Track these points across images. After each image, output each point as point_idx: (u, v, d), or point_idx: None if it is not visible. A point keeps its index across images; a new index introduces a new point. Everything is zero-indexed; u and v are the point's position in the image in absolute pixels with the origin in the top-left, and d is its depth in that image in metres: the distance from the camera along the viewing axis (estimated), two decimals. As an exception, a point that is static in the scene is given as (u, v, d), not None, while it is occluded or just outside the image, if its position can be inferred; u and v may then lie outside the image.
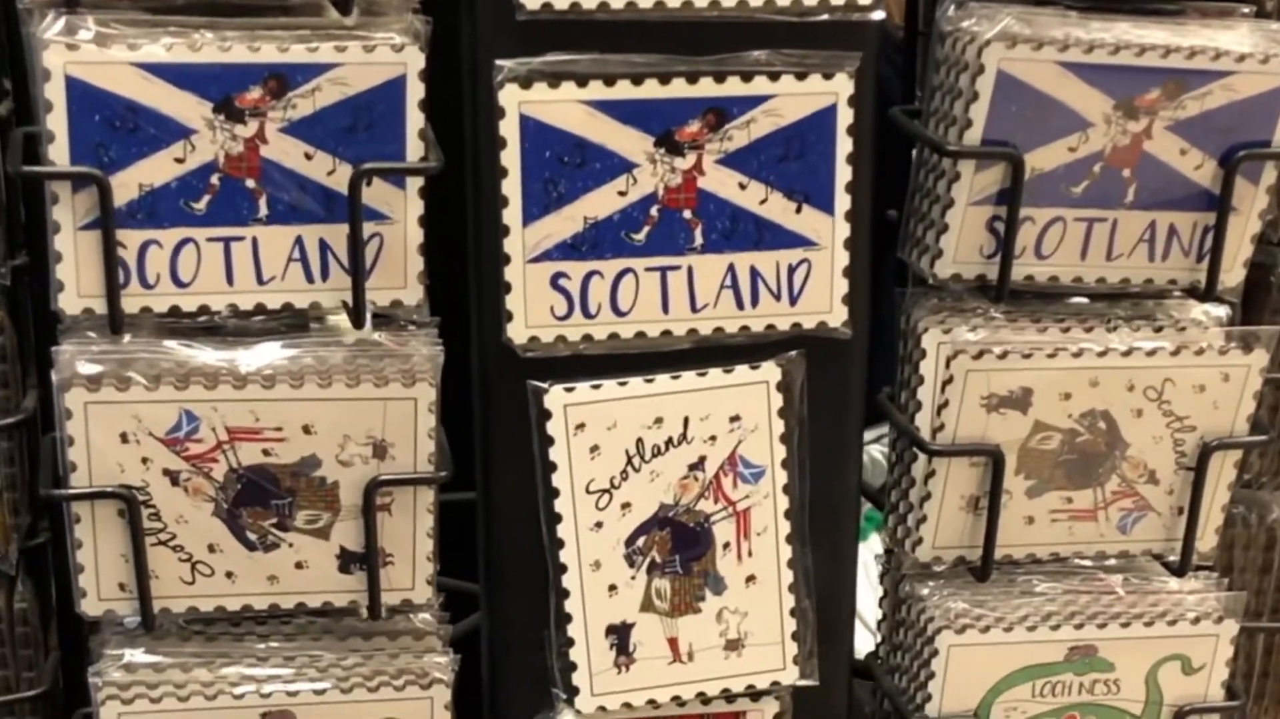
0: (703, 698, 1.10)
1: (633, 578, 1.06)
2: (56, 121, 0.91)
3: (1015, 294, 1.07)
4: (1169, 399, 1.09)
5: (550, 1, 0.94)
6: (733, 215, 1.00)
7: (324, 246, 0.97)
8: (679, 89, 0.97)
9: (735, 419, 1.05)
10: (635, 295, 1.01)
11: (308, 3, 0.94)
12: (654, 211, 1.00)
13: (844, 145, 1.00)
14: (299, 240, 0.96)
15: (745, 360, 1.04)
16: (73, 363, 0.95)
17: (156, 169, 0.93)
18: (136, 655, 1.02)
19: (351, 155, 0.95)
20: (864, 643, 1.24)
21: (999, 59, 0.99)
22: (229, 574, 1.01)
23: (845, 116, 1.00)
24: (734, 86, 0.98)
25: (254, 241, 0.96)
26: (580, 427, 1.02)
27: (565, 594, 1.05)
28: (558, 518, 1.04)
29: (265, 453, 0.98)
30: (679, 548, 1.06)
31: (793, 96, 0.99)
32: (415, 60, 0.94)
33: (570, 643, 1.06)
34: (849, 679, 1.19)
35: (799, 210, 1.01)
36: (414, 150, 0.95)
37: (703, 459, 1.05)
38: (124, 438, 0.96)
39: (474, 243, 1.02)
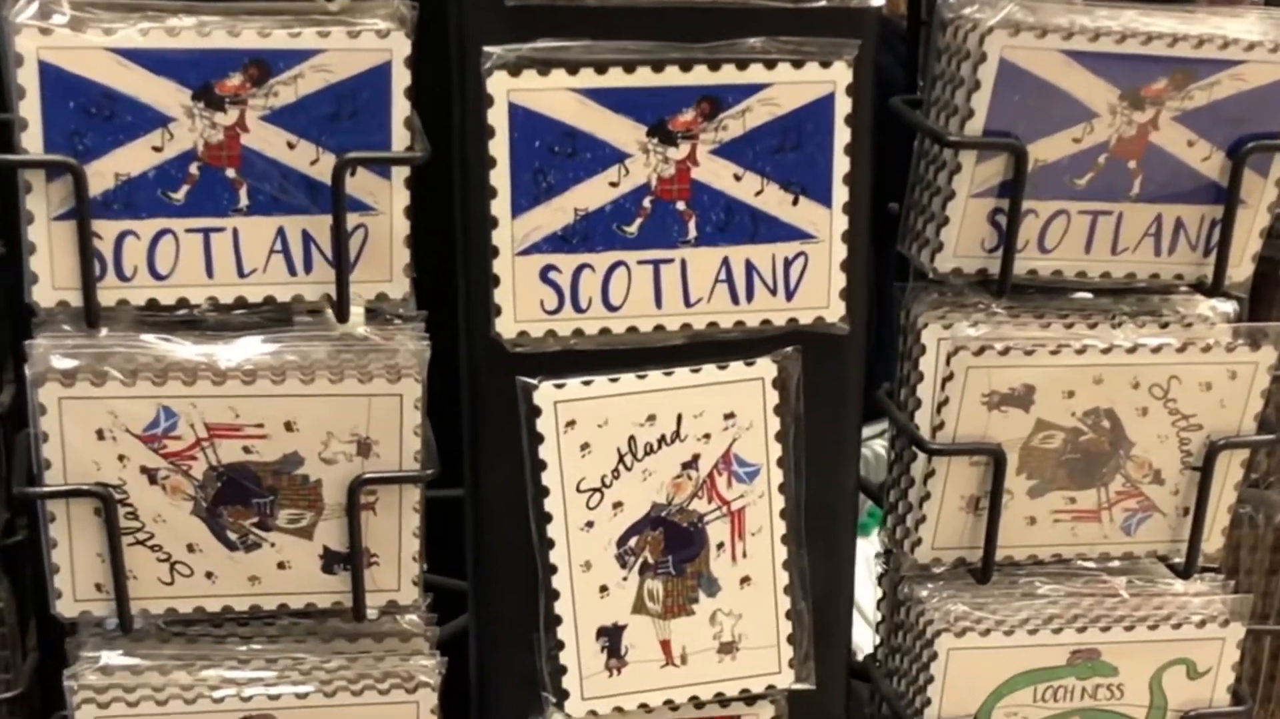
0: (696, 702, 1.09)
1: (624, 579, 1.05)
2: (30, 108, 0.90)
3: (1018, 289, 1.06)
4: (1175, 397, 1.08)
5: (540, -14, 0.93)
6: (727, 207, 0.99)
7: (307, 238, 0.96)
8: (672, 77, 0.96)
9: (730, 417, 1.04)
10: (627, 289, 1.00)
11: (290, -14, 0.94)
12: (646, 203, 0.98)
13: (842, 135, 0.99)
14: (281, 232, 0.95)
15: (740, 356, 1.03)
16: (47, 357, 0.94)
17: (133, 158, 0.92)
18: (114, 658, 1.01)
19: (335, 144, 0.94)
20: (867, 641, 1.24)
21: (1001, 47, 0.98)
22: (209, 575, 1.00)
23: (843, 106, 0.99)
24: (729, 75, 0.97)
25: (234, 233, 0.95)
26: (571, 424, 1.01)
27: (555, 595, 1.04)
28: (548, 517, 1.03)
29: (246, 450, 0.97)
30: (672, 548, 1.06)
31: (789, 85, 0.98)
32: (401, 46, 0.93)
33: (560, 645, 1.05)
34: (846, 682, 1.19)
35: (796, 202, 1.00)
36: (400, 139, 0.95)
37: (696, 458, 1.04)
38: (100, 434, 0.95)
39: (461, 235, 1.02)
